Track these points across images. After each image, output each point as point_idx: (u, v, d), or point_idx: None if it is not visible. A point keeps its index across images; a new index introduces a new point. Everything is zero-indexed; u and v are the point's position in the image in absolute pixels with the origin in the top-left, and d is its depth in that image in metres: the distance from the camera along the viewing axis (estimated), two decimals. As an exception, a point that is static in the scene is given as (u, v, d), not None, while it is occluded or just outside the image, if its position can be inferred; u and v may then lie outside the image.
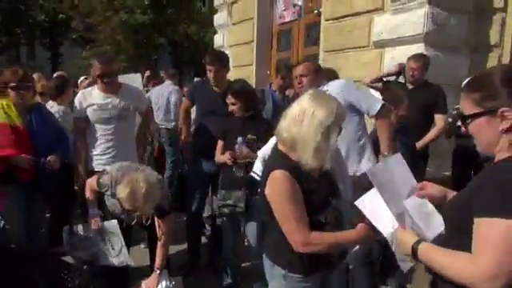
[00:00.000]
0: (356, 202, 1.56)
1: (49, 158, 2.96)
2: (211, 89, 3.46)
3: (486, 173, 1.22)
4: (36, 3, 23.92)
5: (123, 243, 2.75)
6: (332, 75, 4.23)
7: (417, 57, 3.94)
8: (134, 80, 4.63)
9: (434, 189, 1.51)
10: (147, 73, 7.27)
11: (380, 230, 1.48)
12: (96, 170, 3.18)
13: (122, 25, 15.86)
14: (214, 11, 9.59)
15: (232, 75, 8.17)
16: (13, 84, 2.91)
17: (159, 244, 2.60)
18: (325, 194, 1.71)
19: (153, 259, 2.85)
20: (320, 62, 5.82)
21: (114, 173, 2.49)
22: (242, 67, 7.97)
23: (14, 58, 28.46)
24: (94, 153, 3.30)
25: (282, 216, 1.63)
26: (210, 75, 3.37)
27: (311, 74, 2.82)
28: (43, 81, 4.67)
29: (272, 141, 1.84)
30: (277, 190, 1.62)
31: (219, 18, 8.97)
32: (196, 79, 8.34)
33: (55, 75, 5.79)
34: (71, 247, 2.79)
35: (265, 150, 2.10)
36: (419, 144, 3.71)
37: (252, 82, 7.54)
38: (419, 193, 1.49)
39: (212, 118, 3.36)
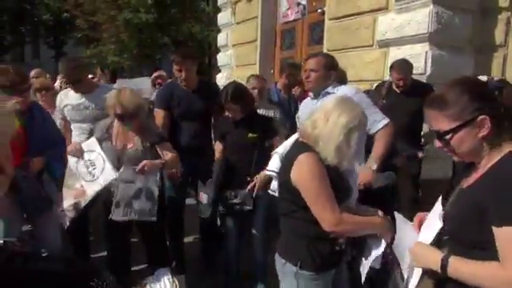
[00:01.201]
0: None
1: (34, 159, 2.71)
2: (183, 89, 3.25)
3: (493, 178, 1.21)
4: (41, 2, 24.01)
5: (104, 158, 2.71)
6: (341, 75, 4.25)
7: (400, 67, 3.85)
8: (142, 83, 4.62)
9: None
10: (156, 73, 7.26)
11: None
12: None
13: (126, 24, 15.88)
14: (217, 11, 9.61)
15: (236, 74, 8.19)
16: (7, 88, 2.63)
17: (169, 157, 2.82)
18: (344, 186, 1.77)
19: (150, 260, 2.88)
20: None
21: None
22: (246, 66, 7.97)
23: (18, 57, 28.65)
24: None
25: (313, 195, 1.66)
26: (182, 74, 3.15)
27: (321, 69, 2.70)
28: (42, 77, 4.68)
29: (291, 139, 1.87)
30: (306, 170, 1.67)
31: (223, 17, 8.98)
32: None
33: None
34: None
35: (283, 147, 2.10)
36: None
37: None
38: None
39: (191, 120, 3.22)
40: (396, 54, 4.60)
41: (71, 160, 2.81)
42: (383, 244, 1.69)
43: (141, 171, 2.64)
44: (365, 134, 1.82)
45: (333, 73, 2.73)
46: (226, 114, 2.99)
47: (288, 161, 1.77)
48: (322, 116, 1.71)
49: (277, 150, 2.45)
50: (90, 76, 6.99)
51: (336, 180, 1.71)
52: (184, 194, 3.38)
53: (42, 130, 2.75)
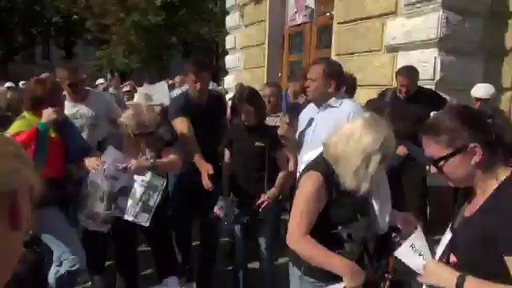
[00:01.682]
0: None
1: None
2: (196, 102, 3.07)
3: (497, 207, 1.21)
4: (51, 4, 24.29)
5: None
6: (351, 81, 4.23)
7: (406, 72, 3.82)
8: (159, 88, 4.60)
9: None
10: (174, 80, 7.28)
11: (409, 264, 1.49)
12: None
13: (135, 26, 16.01)
14: (225, 11, 9.62)
15: (244, 77, 8.21)
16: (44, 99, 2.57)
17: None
18: (353, 208, 1.73)
19: (158, 264, 2.89)
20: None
21: None
22: (254, 69, 7.99)
23: (29, 58, 28.98)
24: None
25: (294, 209, 1.72)
26: (198, 86, 2.96)
27: (319, 79, 2.57)
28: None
29: (318, 150, 1.86)
30: (304, 188, 1.71)
31: (231, 20, 9.00)
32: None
33: None
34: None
35: (309, 156, 2.08)
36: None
37: (263, 84, 7.54)
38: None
39: (201, 134, 3.02)
40: (405, 58, 4.58)
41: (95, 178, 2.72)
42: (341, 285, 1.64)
43: (124, 169, 2.63)
44: (389, 157, 1.73)
45: (333, 82, 2.57)
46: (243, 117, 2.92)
47: (303, 171, 1.81)
48: (343, 137, 1.68)
49: (303, 158, 2.39)
50: (100, 80, 7.07)
51: (344, 203, 1.69)
52: (191, 205, 3.26)
53: (76, 139, 2.81)
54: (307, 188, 1.69)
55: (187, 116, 2.96)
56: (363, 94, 4.93)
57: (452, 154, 1.24)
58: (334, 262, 1.63)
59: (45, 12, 25.57)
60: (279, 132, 2.75)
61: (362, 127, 1.65)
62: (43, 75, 6.12)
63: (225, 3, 9.48)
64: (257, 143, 2.83)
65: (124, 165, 2.60)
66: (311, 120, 2.69)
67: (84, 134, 3.15)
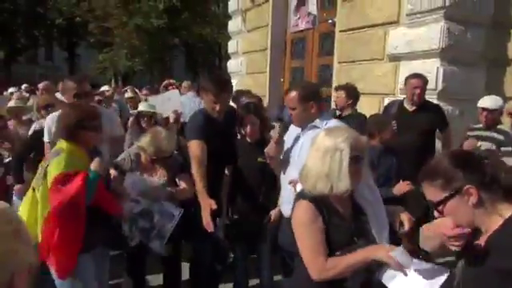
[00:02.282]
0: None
1: None
2: (213, 120, 2.84)
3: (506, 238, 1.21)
4: (54, 6, 24.38)
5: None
6: (353, 92, 4.23)
7: (418, 76, 3.79)
8: (171, 96, 4.55)
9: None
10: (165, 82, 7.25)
11: None
12: None
13: (138, 29, 16.05)
14: (228, 14, 9.63)
15: (246, 82, 8.23)
16: (94, 123, 2.38)
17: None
18: (349, 231, 1.73)
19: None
20: (334, 72, 5.83)
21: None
22: (256, 74, 8.00)
23: (32, 59, 29.08)
24: None
25: (299, 243, 1.71)
26: (217, 107, 2.74)
27: (298, 106, 2.47)
28: (50, 92, 4.63)
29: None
30: (298, 219, 1.71)
31: (233, 25, 9.02)
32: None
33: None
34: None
35: (294, 178, 2.07)
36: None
37: (265, 89, 7.57)
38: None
39: (223, 150, 2.87)
40: (407, 68, 4.57)
41: None
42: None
43: (170, 197, 2.75)
44: (362, 155, 1.74)
45: (312, 104, 2.48)
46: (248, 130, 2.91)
47: (293, 205, 1.79)
48: (309, 152, 1.73)
49: (288, 179, 2.43)
50: (105, 87, 7.07)
51: (338, 225, 1.70)
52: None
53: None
54: (301, 219, 1.69)
55: (205, 137, 2.75)
56: (365, 102, 4.94)
57: (449, 197, 1.26)
58: (359, 258, 1.62)
59: (47, 14, 25.64)
60: (266, 150, 2.59)
61: (321, 136, 1.72)
62: (41, 84, 6.10)
63: (227, 5, 9.50)
64: (259, 159, 2.82)
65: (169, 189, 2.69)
66: (297, 138, 2.62)
67: None
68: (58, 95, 4.23)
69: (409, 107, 3.82)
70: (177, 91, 5.07)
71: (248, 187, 2.88)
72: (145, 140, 2.80)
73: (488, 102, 3.63)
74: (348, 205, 1.78)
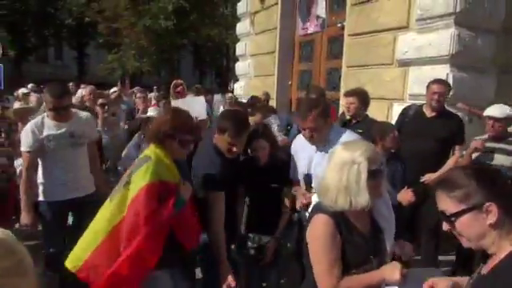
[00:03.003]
0: None
1: None
2: (225, 158, 2.57)
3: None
4: (64, 6, 24.64)
5: None
6: (366, 99, 4.17)
7: (440, 81, 3.72)
8: (196, 102, 4.46)
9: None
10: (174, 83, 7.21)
11: None
12: (47, 200, 3.09)
13: (146, 30, 16.14)
14: (236, 16, 9.65)
15: (254, 85, 8.25)
16: (186, 137, 2.21)
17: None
18: (366, 250, 1.71)
19: None
20: (342, 76, 5.81)
21: None
22: (264, 77, 8.01)
23: (42, 58, 29.40)
24: (47, 184, 3.11)
25: (314, 258, 1.68)
26: (232, 150, 2.50)
27: (321, 125, 2.47)
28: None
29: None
30: (315, 233, 1.68)
31: (242, 27, 9.03)
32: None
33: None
34: None
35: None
36: (434, 176, 3.51)
37: (273, 92, 7.58)
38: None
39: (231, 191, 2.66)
40: (416, 74, 4.56)
41: None
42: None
43: None
44: (381, 169, 1.72)
45: (328, 118, 2.52)
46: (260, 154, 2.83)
47: (310, 215, 1.78)
48: (327, 168, 1.72)
49: (313, 197, 2.37)
50: (114, 89, 7.11)
51: (356, 243, 1.68)
52: None
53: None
54: (319, 233, 1.67)
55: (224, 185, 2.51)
56: (373, 108, 4.89)
57: (466, 211, 1.20)
58: (376, 279, 1.62)
59: (58, 14, 25.91)
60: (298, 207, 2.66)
61: (339, 150, 1.72)
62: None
63: (236, 6, 9.53)
64: (273, 185, 2.80)
65: None
66: (311, 158, 2.59)
67: (67, 153, 3.13)
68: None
69: (427, 113, 3.71)
70: (202, 98, 4.90)
71: (261, 210, 2.84)
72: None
73: (495, 110, 3.49)
74: (367, 221, 1.76)
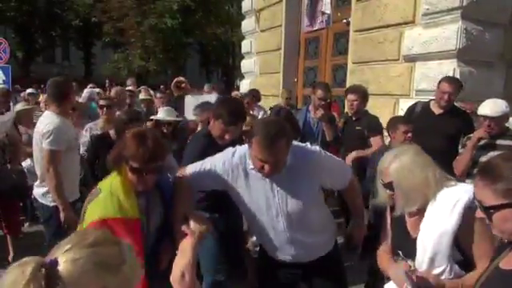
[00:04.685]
0: None
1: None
2: (219, 144, 2.56)
3: None
4: (71, 7, 24.82)
5: None
6: (366, 95, 4.13)
7: (452, 80, 3.58)
8: (210, 99, 4.43)
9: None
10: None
11: None
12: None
13: (151, 29, 16.19)
14: (241, 14, 9.63)
15: (260, 82, 8.23)
16: (136, 165, 1.83)
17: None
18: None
19: None
20: (348, 73, 5.78)
21: None
22: (269, 74, 7.99)
23: (49, 58, 29.65)
24: (67, 184, 2.99)
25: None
26: (226, 137, 2.54)
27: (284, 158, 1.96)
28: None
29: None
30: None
31: (247, 25, 9.02)
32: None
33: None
34: None
35: None
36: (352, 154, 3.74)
37: (279, 89, 7.55)
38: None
39: None
40: (423, 69, 4.52)
41: None
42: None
43: None
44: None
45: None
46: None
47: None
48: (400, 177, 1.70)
49: None
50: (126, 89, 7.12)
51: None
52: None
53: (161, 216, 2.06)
54: None
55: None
56: (380, 103, 4.90)
57: (506, 205, 1.14)
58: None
59: (64, 15, 26.11)
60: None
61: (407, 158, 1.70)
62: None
63: (241, 4, 9.51)
64: None
65: None
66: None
67: (74, 152, 3.13)
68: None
69: (435, 110, 3.62)
70: (214, 95, 4.85)
71: None
72: None
73: (488, 108, 3.11)
74: None
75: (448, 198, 1.59)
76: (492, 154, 3.05)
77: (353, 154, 3.81)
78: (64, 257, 0.84)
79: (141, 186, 1.89)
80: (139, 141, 1.86)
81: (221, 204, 2.49)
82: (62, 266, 0.83)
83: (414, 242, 1.66)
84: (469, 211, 1.50)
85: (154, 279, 1.79)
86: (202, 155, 2.31)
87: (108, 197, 1.83)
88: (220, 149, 2.36)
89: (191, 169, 2.05)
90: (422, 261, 1.62)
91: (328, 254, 2.09)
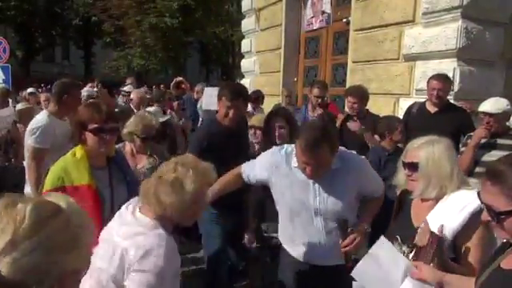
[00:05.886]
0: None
1: None
2: (225, 129, 2.78)
3: None
4: (71, 6, 24.81)
5: None
6: (366, 96, 4.15)
7: (440, 77, 3.61)
8: (212, 93, 4.42)
9: (429, 273, 1.47)
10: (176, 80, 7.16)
11: None
12: None
13: (151, 28, 16.17)
14: (241, 13, 9.62)
15: (259, 81, 8.22)
16: (94, 126, 1.99)
17: None
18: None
19: None
20: (348, 72, 5.78)
21: None
22: (270, 74, 7.98)
23: (49, 57, 29.65)
24: None
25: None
26: (230, 113, 2.70)
27: (328, 161, 1.97)
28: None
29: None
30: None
31: (247, 24, 9.00)
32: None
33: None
34: None
35: None
36: None
37: (279, 88, 7.55)
38: (413, 273, 1.48)
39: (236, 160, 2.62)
40: (423, 68, 4.51)
41: None
42: None
43: None
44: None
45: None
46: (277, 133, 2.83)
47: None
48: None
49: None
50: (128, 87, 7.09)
51: None
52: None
53: (123, 187, 2.19)
54: None
55: (210, 152, 2.51)
56: (380, 103, 4.90)
57: None
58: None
59: (64, 14, 26.10)
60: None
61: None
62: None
63: (241, 3, 9.49)
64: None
65: None
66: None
67: (65, 151, 3.11)
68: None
69: (431, 109, 3.66)
70: (217, 89, 4.81)
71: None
72: (132, 122, 2.82)
73: (488, 105, 3.11)
74: None
75: (461, 199, 1.62)
76: (494, 153, 3.09)
77: None
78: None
79: (103, 147, 2.03)
80: (94, 106, 2.08)
81: (224, 202, 2.54)
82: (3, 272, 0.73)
83: (414, 230, 1.69)
84: (474, 217, 1.52)
85: None
86: (206, 136, 2.66)
87: (56, 171, 1.98)
88: (224, 131, 2.69)
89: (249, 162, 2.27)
90: None
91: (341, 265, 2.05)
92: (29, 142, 2.95)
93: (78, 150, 2.04)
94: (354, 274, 1.62)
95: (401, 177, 1.81)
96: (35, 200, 0.82)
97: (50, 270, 0.74)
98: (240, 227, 2.88)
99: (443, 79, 3.60)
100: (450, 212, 1.61)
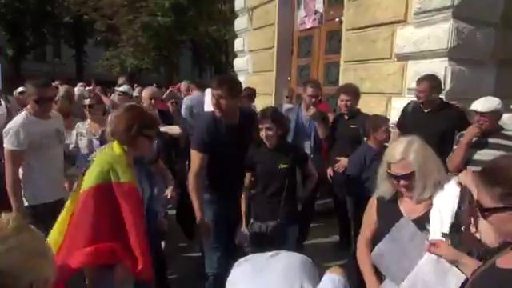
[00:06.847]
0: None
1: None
2: (225, 123, 2.79)
3: None
4: (62, 4, 24.57)
5: None
6: (358, 94, 4.18)
7: (422, 79, 3.68)
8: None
9: (448, 251, 1.53)
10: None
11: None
12: (39, 203, 2.96)
13: (144, 27, 16.08)
14: (234, 11, 9.60)
15: (252, 81, 8.21)
16: (150, 132, 2.20)
17: None
18: None
19: None
20: (340, 71, 5.80)
21: None
22: (263, 73, 7.98)
23: (40, 56, 29.33)
24: (36, 185, 2.96)
25: None
26: (223, 104, 2.68)
27: None
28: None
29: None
30: None
31: (240, 23, 8.99)
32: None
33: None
34: None
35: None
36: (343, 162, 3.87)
37: (272, 87, 7.56)
38: (430, 250, 1.55)
39: (230, 157, 2.76)
40: (415, 68, 4.54)
41: None
42: None
43: None
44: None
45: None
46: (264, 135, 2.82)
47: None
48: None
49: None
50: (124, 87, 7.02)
51: None
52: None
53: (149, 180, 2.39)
54: None
55: (210, 146, 2.72)
56: (372, 102, 4.92)
57: (502, 209, 1.14)
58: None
59: (55, 12, 25.85)
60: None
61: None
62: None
63: (233, 2, 9.47)
64: (281, 165, 2.77)
65: None
66: None
67: (51, 151, 3.08)
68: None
69: (424, 108, 3.70)
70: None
71: (269, 193, 2.82)
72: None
73: (479, 103, 3.12)
74: None
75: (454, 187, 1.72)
76: (485, 152, 3.12)
77: (346, 161, 3.83)
78: None
79: (149, 151, 2.26)
80: (148, 114, 2.27)
81: (220, 192, 2.83)
82: None
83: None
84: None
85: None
86: (206, 129, 2.75)
87: (104, 165, 1.99)
88: (222, 125, 2.76)
89: None
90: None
91: None
92: (4, 144, 2.89)
93: (116, 147, 2.07)
94: (373, 254, 1.75)
95: (387, 188, 1.89)
96: (14, 213, 0.98)
97: (27, 272, 0.87)
98: (234, 216, 2.91)
99: (427, 81, 3.62)
100: (449, 199, 1.69)
